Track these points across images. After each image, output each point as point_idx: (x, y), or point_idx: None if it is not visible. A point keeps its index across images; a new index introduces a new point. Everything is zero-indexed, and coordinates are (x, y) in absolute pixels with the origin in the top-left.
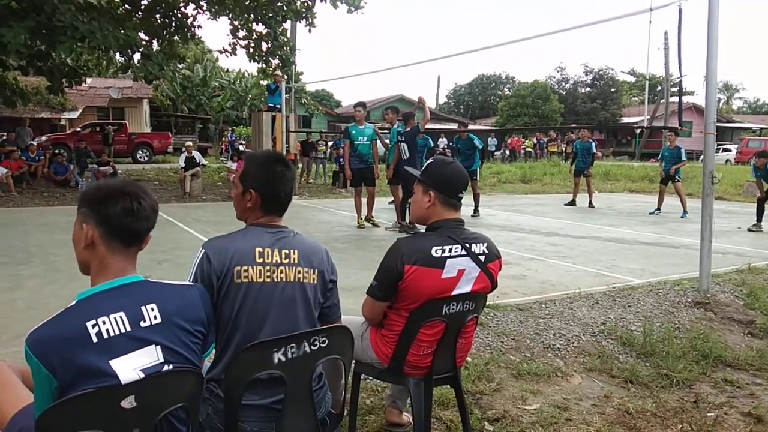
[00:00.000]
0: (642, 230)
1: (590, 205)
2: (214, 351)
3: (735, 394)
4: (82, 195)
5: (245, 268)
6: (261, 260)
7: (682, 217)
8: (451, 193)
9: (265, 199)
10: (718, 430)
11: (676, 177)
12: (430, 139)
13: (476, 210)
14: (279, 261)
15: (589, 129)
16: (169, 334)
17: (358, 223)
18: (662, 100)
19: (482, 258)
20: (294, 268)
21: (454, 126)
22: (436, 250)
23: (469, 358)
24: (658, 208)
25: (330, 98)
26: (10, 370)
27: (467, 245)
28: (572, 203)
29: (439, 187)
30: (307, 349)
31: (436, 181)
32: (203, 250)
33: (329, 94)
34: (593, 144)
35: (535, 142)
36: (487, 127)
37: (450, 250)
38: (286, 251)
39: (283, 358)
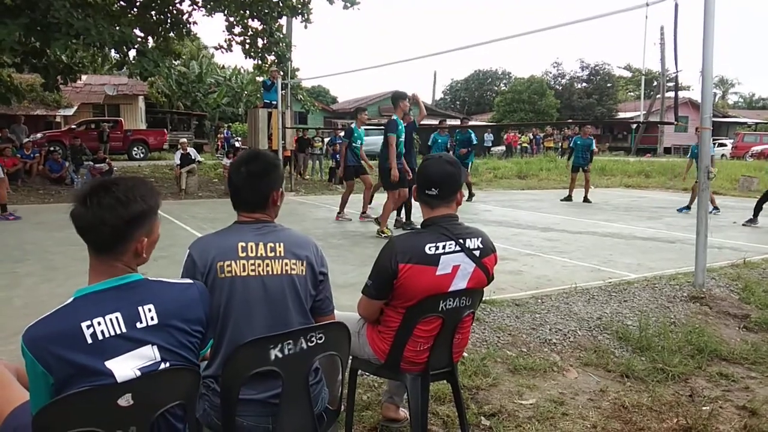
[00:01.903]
0: (638, 225)
1: (585, 200)
2: (210, 350)
3: (730, 388)
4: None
5: (228, 263)
6: (244, 254)
7: (679, 210)
8: (420, 189)
9: (231, 195)
10: (714, 424)
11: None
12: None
13: (469, 195)
14: (264, 254)
15: (585, 124)
16: (165, 336)
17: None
18: (658, 95)
19: (477, 253)
20: (281, 260)
21: (453, 122)
22: (429, 248)
23: (465, 354)
24: (715, 206)
25: (326, 94)
26: (5, 369)
27: (461, 241)
28: (568, 198)
29: (417, 183)
30: (304, 345)
31: (417, 177)
32: (188, 251)
33: (325, 90)
34: (593, 140)
35: (531, 137)
36: (484, 123)
37: (444, 247)
38: (272, 244)
39: (280, 355)
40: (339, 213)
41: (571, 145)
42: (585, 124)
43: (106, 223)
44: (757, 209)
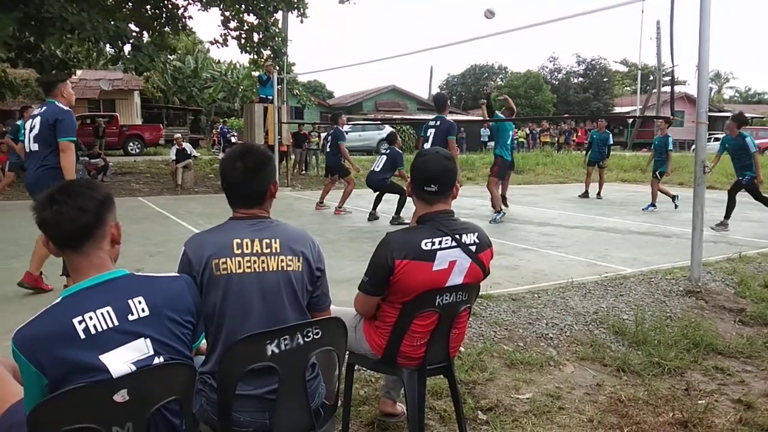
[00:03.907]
0: (634, 220)
1: (598, 195)
2: (204, 342)
3: (725, 382)
4: None
5: (223, 260)
6: (239, 251)
7: (644, 209)
8: (417, 185)
9: (227, 192)
10: (709, 417)
11: (656, 173)
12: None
13: None
14: (260, 251)
15: (581, 119)
16: (158, 326)
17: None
18: (654, 90)
19: (473, 248)
20: (276, 257)
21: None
22: (425, 243)
23: (462, 348)
24: (653, 204)
25: (322, 89)
26: (1, 366)
27: (457, 236)
28: (585, 195)
29: (412, 179)
30: (301, 340)
31: (411, 173)
32: (183, 249)
33: (321, 85)
34: (610, 135)
35: (528, 132)
36: (480, 118)
37: (440, 242)
38: (267, 241)
39: (277, 350)
40: (339, 207)
41: (588, 140)
42: (581, 118)
43: (85, 209)
44: (731, 205)
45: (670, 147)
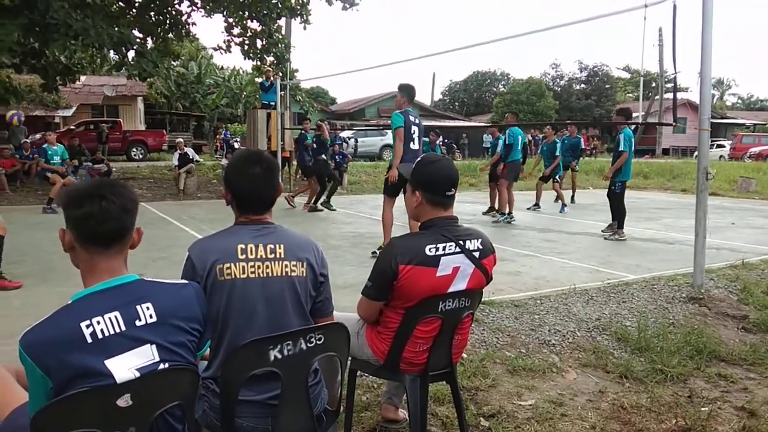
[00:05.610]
0: (636, 226)
1: (572, 200)
2: (209, 350)
3: (729, 389)
4: (61, 197)
5: (227, 265)
6: (244, 256)
7: (528, 209)
8: (435, 191)
9: (237, 198)
10: (712, 425)
11: (556, 177)
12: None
13: None
14: (264, 256)
15: (583, 125)
16: (165, 333)
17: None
18: (657, 97)
19: (477, 254)
20: (280, 262)
21: (449, 123)
22: (429, 249)
23: (464, 355)
24: (537, 204)
25: (325, 95)
26: (4, 369)
27: (461, 242)
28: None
29: (424, 187)
30: (303, 346)
31: (420, 181)
32: (187, 254)
33: (324, 91)
34: (581, 140)
35: (530, 138)
36: (482, 124)
37: (444, 248)
38: (272, 246)
39: (279, 356)
40: (303, 202)
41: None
42: (583, 125)
43: (127, 209)
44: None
45: (558, 153)
